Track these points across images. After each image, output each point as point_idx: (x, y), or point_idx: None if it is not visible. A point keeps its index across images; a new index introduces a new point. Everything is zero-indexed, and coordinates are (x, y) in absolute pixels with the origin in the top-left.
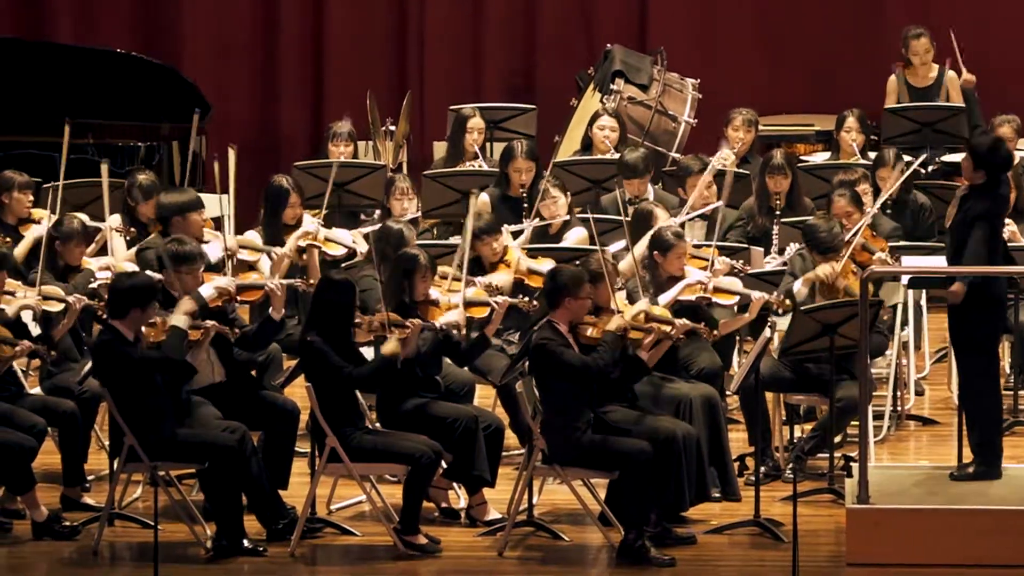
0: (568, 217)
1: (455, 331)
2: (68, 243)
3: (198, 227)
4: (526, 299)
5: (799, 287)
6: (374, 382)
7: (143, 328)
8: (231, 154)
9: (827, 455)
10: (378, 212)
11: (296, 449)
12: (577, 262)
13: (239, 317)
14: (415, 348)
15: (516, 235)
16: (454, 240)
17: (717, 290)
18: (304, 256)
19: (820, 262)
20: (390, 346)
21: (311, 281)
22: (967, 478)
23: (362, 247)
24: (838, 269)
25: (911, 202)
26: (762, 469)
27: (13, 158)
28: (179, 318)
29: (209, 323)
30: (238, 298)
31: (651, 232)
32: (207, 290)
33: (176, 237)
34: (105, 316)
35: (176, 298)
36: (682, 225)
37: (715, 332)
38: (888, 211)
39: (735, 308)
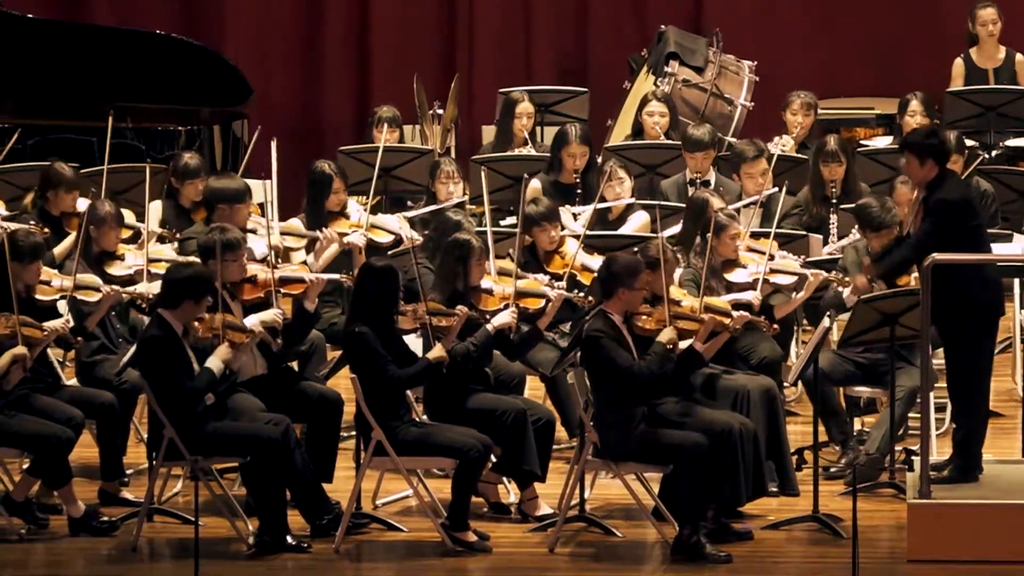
0: (632, 200)
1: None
2: (102, 227)
3: (244, 217)
4: (580, 294)
5: (848, 295)
6: (416, 384)
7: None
8: (272, 147)
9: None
10: (424, 199)
11: (341, 441)
12: (635, 250)
13: (282, 309)
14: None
15: (575, 216)
16: (504, 225)
17: (774, 271)
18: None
19: (873, 241)
20: (437, 352)
21: (355, 272)
22: (944, 481)
23: (408, 233)
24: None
25: (973, 189)
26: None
27: (51, 142)
28: (215, 362)
29: (258, 328)
30: (281, 290)
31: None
32: (251, 321)
33: (219, 225)
34: (145, 305)
35: (217, 289)
36: (736, 211)
37: (775, 326)
38: None
39: (792, 292)
